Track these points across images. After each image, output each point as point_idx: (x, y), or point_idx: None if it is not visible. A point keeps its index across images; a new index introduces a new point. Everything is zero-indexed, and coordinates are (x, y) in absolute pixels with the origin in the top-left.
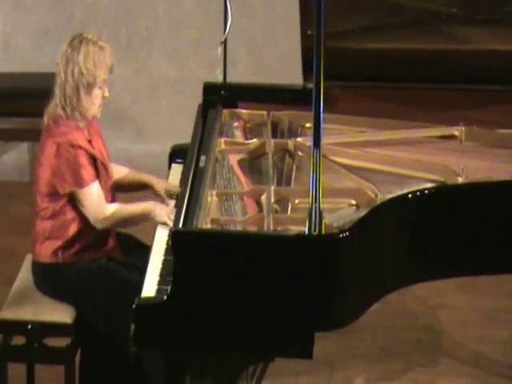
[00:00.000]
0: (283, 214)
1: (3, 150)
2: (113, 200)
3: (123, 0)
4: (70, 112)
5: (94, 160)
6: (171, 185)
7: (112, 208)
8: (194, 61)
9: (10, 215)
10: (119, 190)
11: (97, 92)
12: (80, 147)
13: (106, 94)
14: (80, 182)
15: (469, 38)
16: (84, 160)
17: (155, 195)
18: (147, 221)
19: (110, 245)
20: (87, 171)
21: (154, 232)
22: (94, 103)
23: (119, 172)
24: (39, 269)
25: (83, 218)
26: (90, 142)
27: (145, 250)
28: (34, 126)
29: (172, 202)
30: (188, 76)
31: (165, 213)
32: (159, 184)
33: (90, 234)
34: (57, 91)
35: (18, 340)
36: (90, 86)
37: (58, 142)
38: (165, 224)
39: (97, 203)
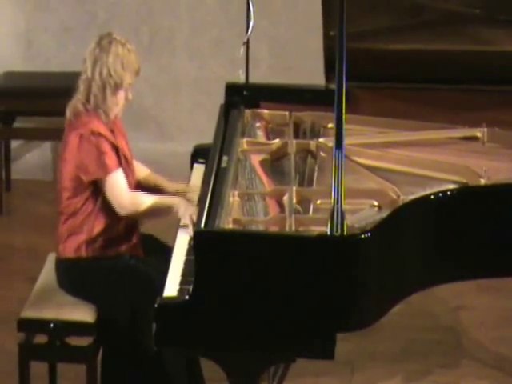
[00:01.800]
0: (305, 215)
1: (26, 149)
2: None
3: None
4: (93, 109)
5: (116, 149)
6: (187, 186)
7: (137, 195)
8: (215, 60)
9: (32, 214)
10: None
11: (122, 94)
12: (101, 135)
13: (130, 97)
14: (104, 169)
15: (491, 38)
16: (106, 147)
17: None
18: (170, 215)
19: (133, 241)
20: (110, 158)
21: (176, 233)
22: (118, 104)
23: (141, 171)
24: (62, 265)
25: (107, 213)
26: (112, 131)
27: (166, 252)
28: (57, 125)
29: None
30: (210, 75)
31: (188, 214)
32: (175, 187)
33: (114, 229)
34: (81, 87)
35: (41, 339)
36: (116, 88)
37: (81, 132)
38: (185, 226)
39: (121, 189)
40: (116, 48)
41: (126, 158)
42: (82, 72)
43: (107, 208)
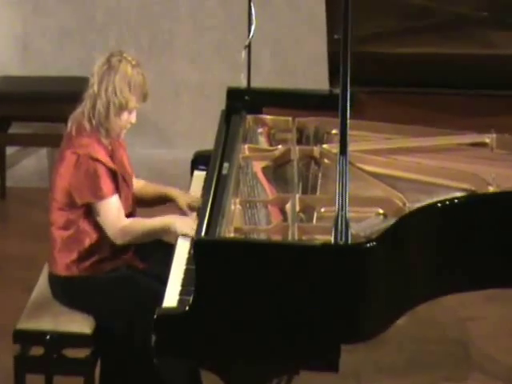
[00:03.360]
0: (308, 223)
1: (23, 156)
2: (134, 215)
3: (145, 2)
4: (96, 125)
5: (113, 175)
6: (194, 199)
7: (131, 222)
8: (216, 64)
9: (29, 222)
10: (143, 206)
11: (126, 116)
12: (99, 161)
13: (134, 120)
14: (99, 194)
15: (500, 42)
16: (103, 173)
17: (177, 208)
18: (168, 234)
19: (128, 254)
20: (106, 184)
21: (176, 242)
22: (120, 126)
23: (135, 185)
24: (55, 281)
25: (99, 231)
26: (111, 157)
27: (165, 251)
28: (54, 131)
29: (194, 214)
30: (211, 80)
31: (187, 224)
32: (182, 198)
33: (107, 247)
34: (87, 102)
35: (37, 350)
36: (120, 108)
37: (78, 153)
38: (186, 235)
39: (115, 217)
40: (125, 67)
41: (125, 180)
42: (89, 86)
43: (99, 227)
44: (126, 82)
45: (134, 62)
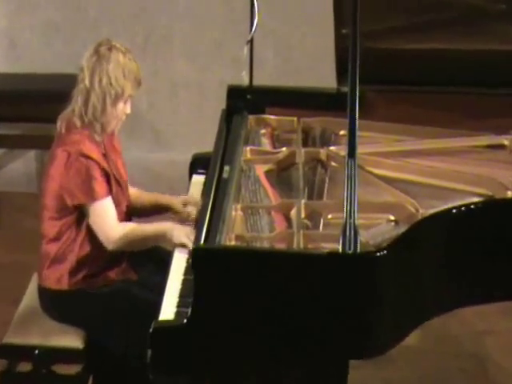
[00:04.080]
0: (315, 231)
1: (9, 159)
2: (128, 221)
3: None
4: (88, 122)
5: (107, 176)
6: (190, 198)
7: (125, 227)
8: (216, 62)
9: (16, 229)
10: (142, 216)
11: (121, 106)
12: (91, 159)
13: (128, 110)
14: (91, 195)
15: None
16: (96, 172)
17: (174, 216)
18: (163, 242)
19: (122, 266)
20: (99, 184)
21: (172, 251)
22: (117, 116)
23: (141, 197)
24: (45, 294)
25: (92, 240)
26: (104, 156)
27: (160, 261)
28: (43, 132)
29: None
30: (210, 78)
31: (184, 233)
32: (177, 201)
33: (100, 258)
34: (78, 98)
35: (25, 366)
36: (117, 98)
37: (69, 150)
38: (183, 246)
39: (109, 221)
40: (116, 55)
41: (119, 184)
42: (79, 81)
43: (93, 236)
44: (120, 69)
45: (123, 49)
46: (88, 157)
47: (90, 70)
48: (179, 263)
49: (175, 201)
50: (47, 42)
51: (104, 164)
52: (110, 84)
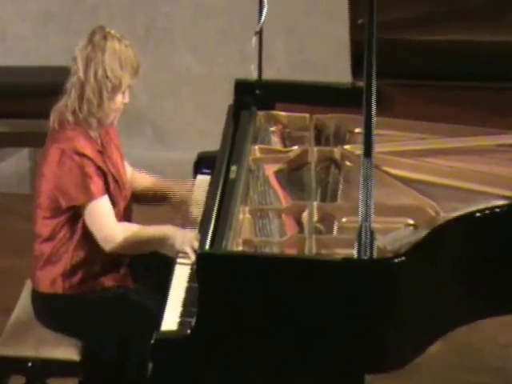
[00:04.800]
0: (328, 235)
1: (0, 157)
2: (128, 222)
3: None
4: (83, 118)
5: (103, 174)
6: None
7: (125, 228)
8: (223, 54)
9: (7, 232)
10: (143, 202)
11: (119, 97)
12: (86, 156)
13: (127, 99)
14: (86, 195)
15: None
16: (91, 170)
17: (174, 207)
18: (164, 247)
19: (121, 273)
20: (95, 183)
21: (175, 257)
22: (115, 109)
23: (144, 181)
24: (38, 299)
25: (89, 242)
26: (100, 152)
27: (162, 271)
28: (36, 129)
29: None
30: (216, 72)
31: (187, 239)
32: (177, 188)
33: (97, 261)
34: (72, 91)
35: (17, 380)
36: (114, 91)
37: (62, 148)
38: (185, 254)
39: (106, 220)
40: (112, 44)
41: (116, 181)
42: (72, 73)
43: (90, 237)
44: (117, 59)
45: (118, 36)
46: (82, 154)
47: (84, 61)
48: (182, 270)
49: (176, 187)
50: (40, 32)
51: (99, 162)
52: (106, 76)
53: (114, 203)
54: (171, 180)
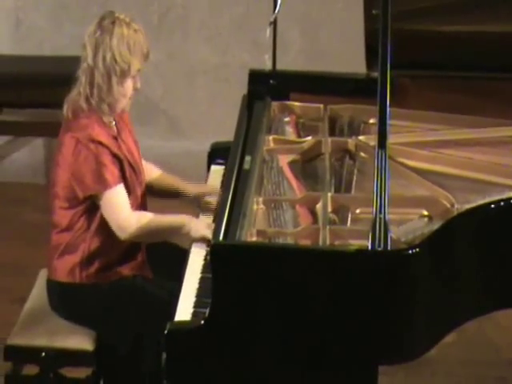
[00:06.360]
0: (342, 226)
1: (14, 147)
2: (143, 209)
3: None
4: (96, 104)
5: (119, 161)
6: (206, 187)
7: (139, 216)
8: (237, 43)
9: (21, 223)
10: (148, 194)
11: (129, 82)
12: (101, 144)
13: (138, 85)
14: (102, 184)
15: None
16: (106, 158)
17: (188, 204)
18: (180, 236)
19: (137, 261)
20: (110, 171)
21: (189, 247)
22: (125, 95)
23: (151, 173)
24: (54, 288)
25: (106, 230)
26: (115, 139)
27: (179, 261)
28: (51, 119)
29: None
30: (231, 61)
31: (204, 226)
32: (193, 189)
33: (114, 250)
34: (82, 78)
35: (31, 369)
36: (123, 75)
37: (77, 136)
38: (202, 239)
39: (121, 209)
40: (120, 29)
41: (132, 167)
42: (82, 60)
43: (107, 226)
44: (125, 44)
45: (127, 20)
46: (97, 142)
47: (93, 47)
48: (196, 260)
49: (191, 190)
50: (55, 22)
51: (114, 149)
52: (115, 60)
53: (131, 189)
54: (187, 182)
